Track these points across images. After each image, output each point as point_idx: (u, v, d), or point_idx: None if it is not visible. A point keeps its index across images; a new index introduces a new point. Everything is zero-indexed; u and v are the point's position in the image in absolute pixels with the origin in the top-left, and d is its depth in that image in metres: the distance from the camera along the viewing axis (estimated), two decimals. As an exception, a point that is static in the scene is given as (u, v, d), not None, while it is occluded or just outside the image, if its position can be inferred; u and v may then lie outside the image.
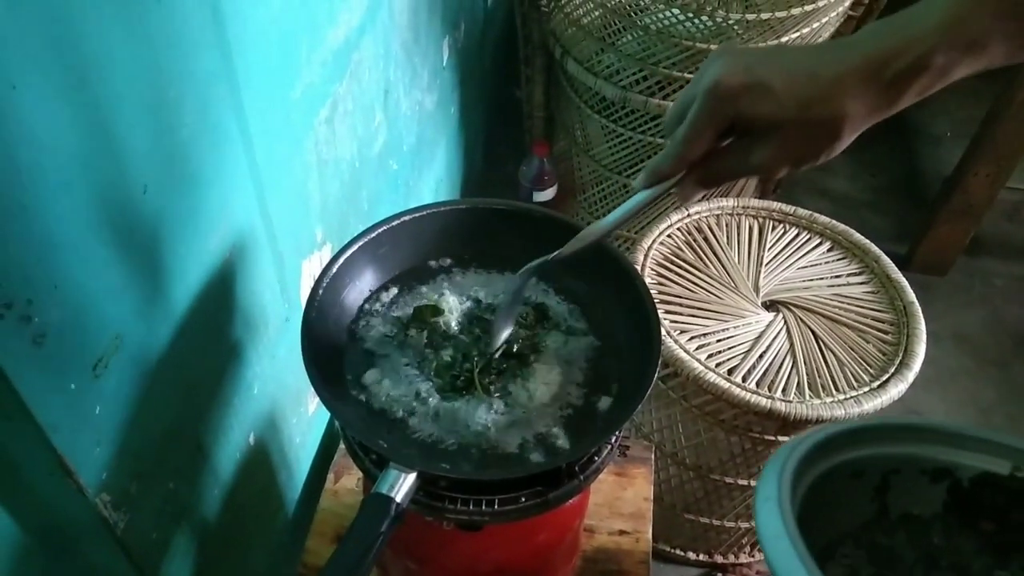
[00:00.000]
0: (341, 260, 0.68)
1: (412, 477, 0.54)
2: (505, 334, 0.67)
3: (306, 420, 1.00)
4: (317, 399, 1.00)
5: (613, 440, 0.65)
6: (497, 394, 0.65)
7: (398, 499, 0.53)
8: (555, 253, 0.62)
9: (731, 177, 0.54)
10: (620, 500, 1.04)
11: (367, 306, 0.71)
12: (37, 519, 0.55)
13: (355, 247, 0.69)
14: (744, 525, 1.30)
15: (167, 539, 0.70)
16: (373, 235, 0.70)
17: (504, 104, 1.98)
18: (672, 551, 1.37)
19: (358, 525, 0.52)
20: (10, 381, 0.46)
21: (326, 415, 1.07)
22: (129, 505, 0.61)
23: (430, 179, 1.42)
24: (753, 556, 1.37)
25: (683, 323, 1.14)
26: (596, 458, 0.64)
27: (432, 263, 0.75)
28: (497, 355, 0.67)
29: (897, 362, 1.11)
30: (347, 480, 1.03)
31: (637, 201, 0.57)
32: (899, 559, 0.58)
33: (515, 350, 0.67)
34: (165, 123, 0.57)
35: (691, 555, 1.37)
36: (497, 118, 1.96)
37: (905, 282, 1.21)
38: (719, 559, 1.36)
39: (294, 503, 1.01)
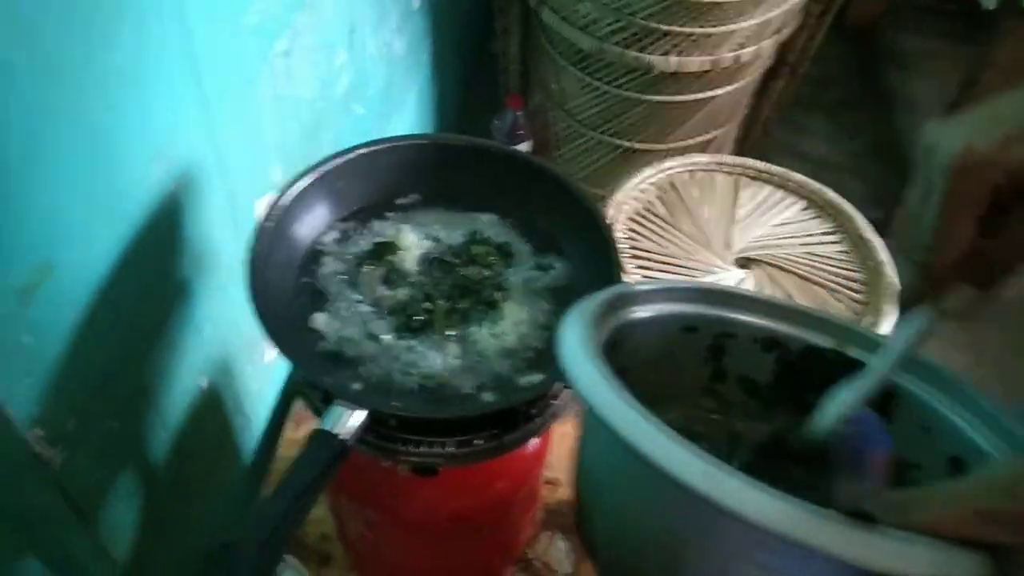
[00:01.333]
0: (293, 192, 0.65)
1: (358, 414, 0.52)
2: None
3: (263, 368, 0.97)
4: (275, 346, 0.98)
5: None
6: (454, 336, 0.63)
7: (342, 435, 0.51)
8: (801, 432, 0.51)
9: (1016, 267, 0.41)
10: (585, 454, 1.03)
11: (320, 242, 0.68)
12: (-37, 453, 0.52)
13: (307, 180, 0.66)
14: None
15: (110, 482, 0.67)
16: (328, 167, 0.67)
17: (481, 57, 1.94)
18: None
19: (301, 461, 0.50)
20: (-78, 302, 0.43)
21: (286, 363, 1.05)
22: (66, 442, 0.58)
23: (399, 127, 1.38)
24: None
25: (654, 279, 1.12)
26: (554, 400, 0.62)
27: (391, 200, 0.72)
28: (459, 296, 0.64)
29: (867, 320, 1.09)
30: (307, 429, 1.00)
31: (907, 335, 0.46)
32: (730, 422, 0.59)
33: (480, 293, 0.65)
34: (98, 35, 0.54)
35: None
36: (472, 71, 1.91)
37: (878, 242, 1.19)
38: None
39: (251, 451, 0.98)
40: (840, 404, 0.48)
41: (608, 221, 0.65)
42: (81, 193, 0.55)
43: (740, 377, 0.60)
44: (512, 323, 0.63)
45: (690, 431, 0.57)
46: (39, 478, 0.58)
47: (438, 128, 1.67)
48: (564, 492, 0.98)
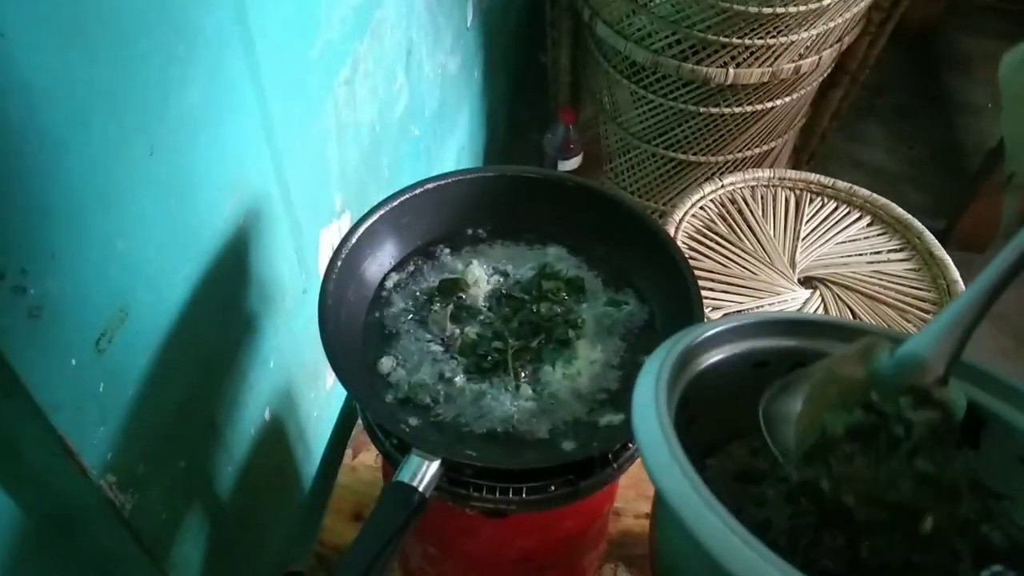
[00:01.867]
0: (361, 230, 0.64)
1: (436, 464, 0.51)
2: None
3: (324, 394, 0.97)
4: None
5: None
6: (526, 377, 0.61)
7: (421, 488, 0.49)
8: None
9: None
10: (647, 481, 0.99)
11: (388, 279, 0.67)
12: (41, 502, 0.51)
13: (376, 216, 0.65)
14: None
15: (178, 520, 0.67)
16: (395, 203, 0.66)
17: (528, 70, 1.92)
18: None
19: (378, 515, 0.48)
20: (5, 358, 0.43)
21: (343, 390, 1.04)
22: (136, 486, 0.58)
23: (452, 146, 1.38)
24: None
25: (716, 300, 1.09)
26: (631, 444, 0.60)
27: (458, 235, 0.70)
28: (530, 334, 0.62)
29: (940, 343, 1.05)
30: (365, 456, 1.00)
31: (1005, 260, 0.45)
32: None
33: (552, 331, 0.63)
34: (174, 80, 0.53)
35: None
36: (521, 84, 1.90)
37: (949, 260, 1.15)
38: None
39: (310, 480, 0.98)
40: (940, 325, 0.46)
41: (685, 257, 0.63)
42: (156, 234, 0.55)
43: None
44: (586, 363, 0.62)
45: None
46: (112, 524, 0.57)
47: (489, 142, 1.66)
48: (627, 522, 0.96)
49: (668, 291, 0.63)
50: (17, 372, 0.44)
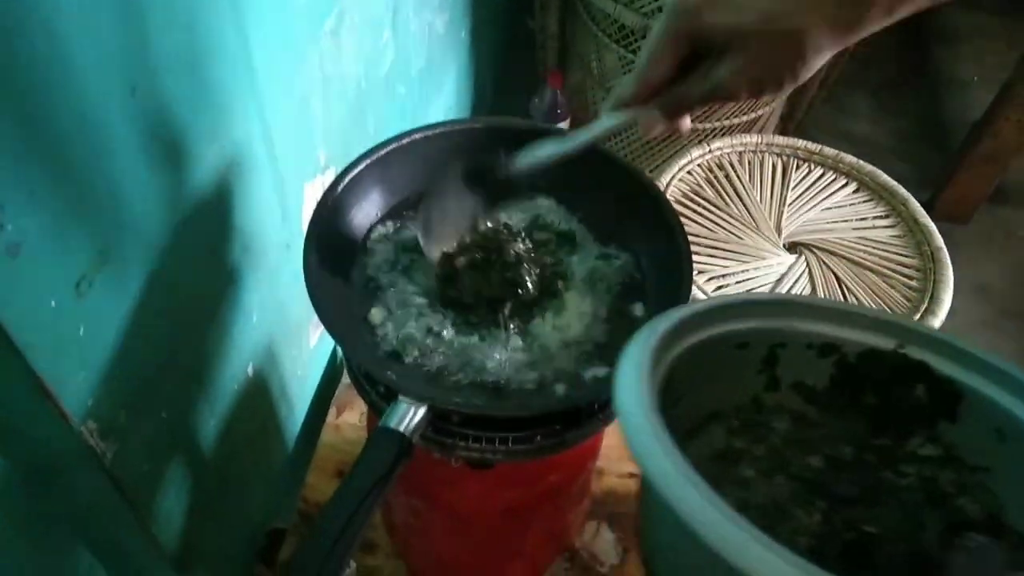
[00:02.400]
0: (347, 179, 0.63)
1: (423, 410, 0.50)
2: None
3: (308, 352, 0.96)
4: (320, 330, 0.96)
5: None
6: (517, 331, 0.60)
7: (407, 433, 0.49)
8: (504, 165, 0.58)
9: (691, 103, 0.51)
10: (631, 443, 1.00)
11: (375, 231, 0.66)
12: (19, 449, 0.50)
13: (362, 165, 0.64)
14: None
15: (160, 472, 0.66)
16: (381, 153, 0.65)
17: (515, 34, 1.90)
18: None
19: (364, 460, 0.48)
20: (-19, 294, 0.42)
21: (328, 348, 1.03)
22: (118, 434, 0.57)
23: (439, 107, 1.36)
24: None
25: (702, 264, 1.09)
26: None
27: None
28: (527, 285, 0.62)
29: (923, 309, 1.06)
30: (349, 415, 1.00)
31: (599, 127, 0.54)
32: (772, 431, 0.57)
33: (541, 282, 0.62)
34: (155, 21, 0.52)
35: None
36: (508, 48, 1.88)
37: (933, 227, 1.15)
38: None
39: (294, 437, 0.97)
40: (543, 152, 0.57)
41: (676, 213, 0.62)
42: (138, 178, 0.54)
43: (794, 383, 0.57)
44: (576, 315, 0.61)
45: (743, 453, 0.55)
46: (93, 472, 0.57)
47: (476, 107, 1.65)
48: (611, 481, 0.96)
49: (658, 246, 0.63)
50: (-4, 310, 0.43)
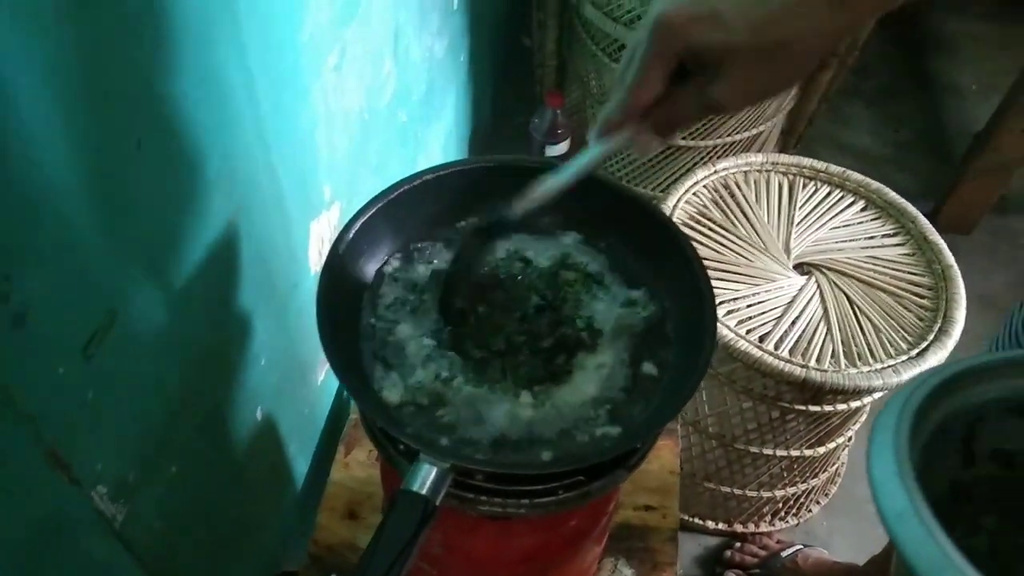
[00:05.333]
0: (359, 223, 0.61)
1: (445, 470, 0.48)
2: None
3: (315, 390, 0.94)
4: (326, 368, 0.95)
5: (659, 424, 0.59)
6: (530, 392, 0.58)
7: (431, 496, 0.47)
8: (503, 212, 0.57)
9: (687, 120, 0.51)
10: (645, 473, 0.99)
11: (384, 271, 0.65)
12: (30, 514, 0.49)
13: (374, 209, 0.62)
14: (766, 494, 1.25)
15: (171, 527, 0.64)
16: (392, 196, 0.63)
17: (513, 54, 1.89)
18: (690, 519, 1.32)
19: (388, 527, 0.46)
20: (-12, 368, 0.40)
21: (335, 385, 1.01)
22: (128, 495, 0.56)
23: (439, 132, 1.35)
24: (773, 525, 1.33)
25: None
26: (640, 445, 0.58)
27: (457, 225, 0.68)
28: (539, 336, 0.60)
29: (936, 329, 1.05)
30: (358, 452, 0.98)
31: (592, 156, 0.53)
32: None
33: (565, 332, 0.60)
34: (160, 68, 0.50)
35: (709, 524, 1.33)
36: (506, 69, 1.87)
37: (943, 244, 1.14)
38: (739, 528, 1.32)
39: (303, 477, 0.95)
40: (541, 190, 0.55)
41: (698, 255, 0.60)
42: (145, 231, 0.52)
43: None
44: (594, 369, 0.59)
45: None
46: (103, 535, 0.55)
47: (475, 127, 1.63)
48: (626, 515, 0.94)
49: (680, 289, 0.61)
50: (1, 381, 0.41)
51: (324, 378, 0.96)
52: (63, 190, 0.44)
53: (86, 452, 0.50)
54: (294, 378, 0.86)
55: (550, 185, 0.55)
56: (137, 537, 0.58)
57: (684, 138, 1.50)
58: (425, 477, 0.48)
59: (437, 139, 1.34)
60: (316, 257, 0.84)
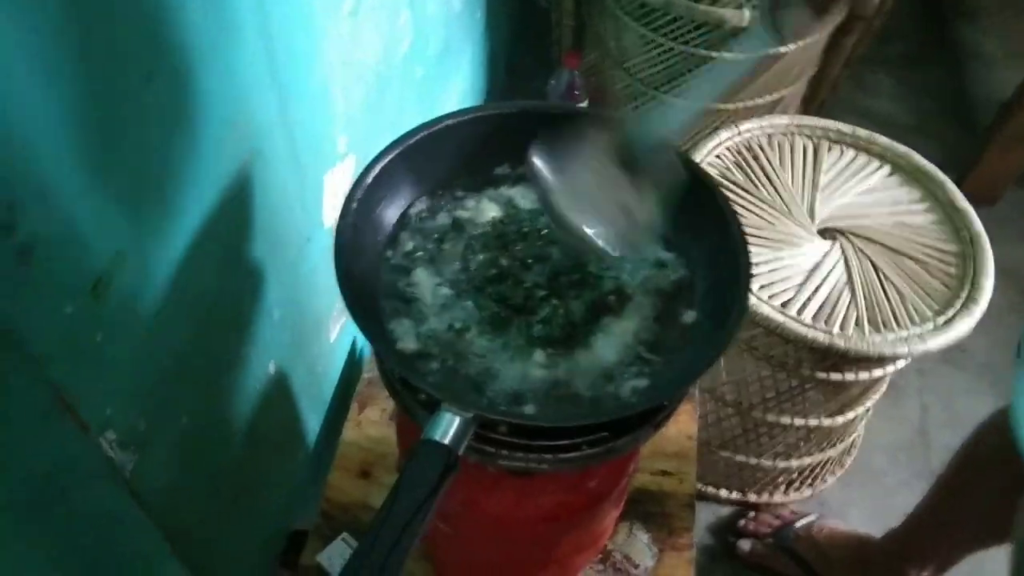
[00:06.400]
0: (376, 169, 0.58)
1: (468, 420, 0.46)
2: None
3: (328, 347, 0.93)
4: (340, 324, 0.93)
5: (687, 380, 0.57)
6: (543, 352, 0.56)
7: (453, 445, 0.45)
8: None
9: None
10: (662, 438, 0.97)
11: (405, 222, 0.62)
12: (36, 462, 0.47)
13: (392, 154, 0.59)
14: (782, 464, 1.24)
15: (181, 479, 0.63)
16: (411, 141, 0.61)
17: (530, 12, 1.84)
18: (704, 488, 1.31)
19: (409, 477, 0.44)
20: (-8, 303, 0.38)
21: (348, 341, 1.00)
22: (138, 444, 0.54)
23: (455, 90, 1.31)
24: (788, 495, 1.31)
25: None
26: (667, 402, 0.56)
27: (479, 173, 0.65)
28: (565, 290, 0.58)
29: (964, 296, 1.02)
30: (371, 411, 0.96)
31: (755, 45, 0.53)
32: None
33: (590, 295, 0.58)
34: (169, 2, 0.47)
35: (723, 492, 1.31)
36: (523, 27, 1.83)
37: (971, 211, 1.11)
38: (752, 498, 1.31)
39: (315, 435, 0.94)
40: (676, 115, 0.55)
41: (735, 212, 0.58)
42: (156, 171, 0.50)
43: None
44: (619, 323, 0.57)
45: None
46: (112, 485, 0.53)
47: (491, 90, 1.60)
48: (643, 479, 0.93)
49: (713, 248, 0.58)
50: (7, 319, 0.39)
51: (338, 335, 0.94)
52: (68, 128, 0.41)
53: (95, 396, 0.48)
54: (307, 334, 0.85)
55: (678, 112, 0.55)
56: (147, 488, 0.56)
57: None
58: (448, 426, 0.46)
59: (452, 98, 1.30)
60: (330, 211, 0.81)
